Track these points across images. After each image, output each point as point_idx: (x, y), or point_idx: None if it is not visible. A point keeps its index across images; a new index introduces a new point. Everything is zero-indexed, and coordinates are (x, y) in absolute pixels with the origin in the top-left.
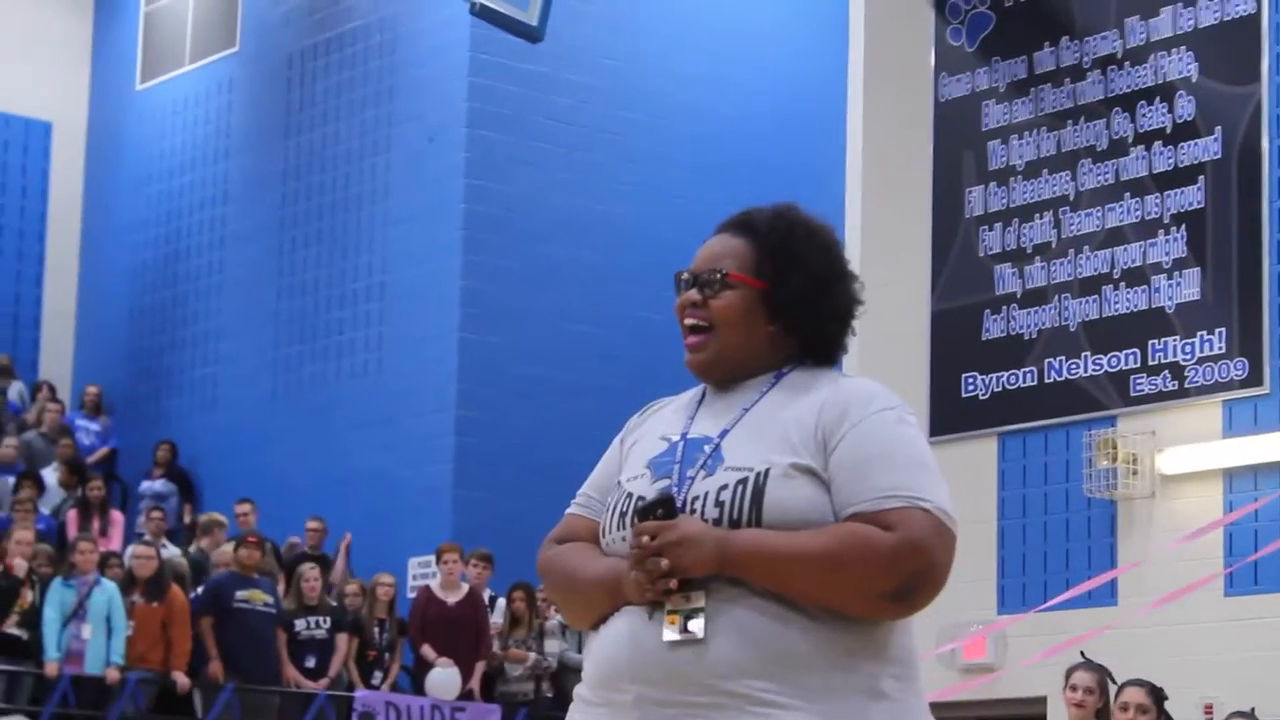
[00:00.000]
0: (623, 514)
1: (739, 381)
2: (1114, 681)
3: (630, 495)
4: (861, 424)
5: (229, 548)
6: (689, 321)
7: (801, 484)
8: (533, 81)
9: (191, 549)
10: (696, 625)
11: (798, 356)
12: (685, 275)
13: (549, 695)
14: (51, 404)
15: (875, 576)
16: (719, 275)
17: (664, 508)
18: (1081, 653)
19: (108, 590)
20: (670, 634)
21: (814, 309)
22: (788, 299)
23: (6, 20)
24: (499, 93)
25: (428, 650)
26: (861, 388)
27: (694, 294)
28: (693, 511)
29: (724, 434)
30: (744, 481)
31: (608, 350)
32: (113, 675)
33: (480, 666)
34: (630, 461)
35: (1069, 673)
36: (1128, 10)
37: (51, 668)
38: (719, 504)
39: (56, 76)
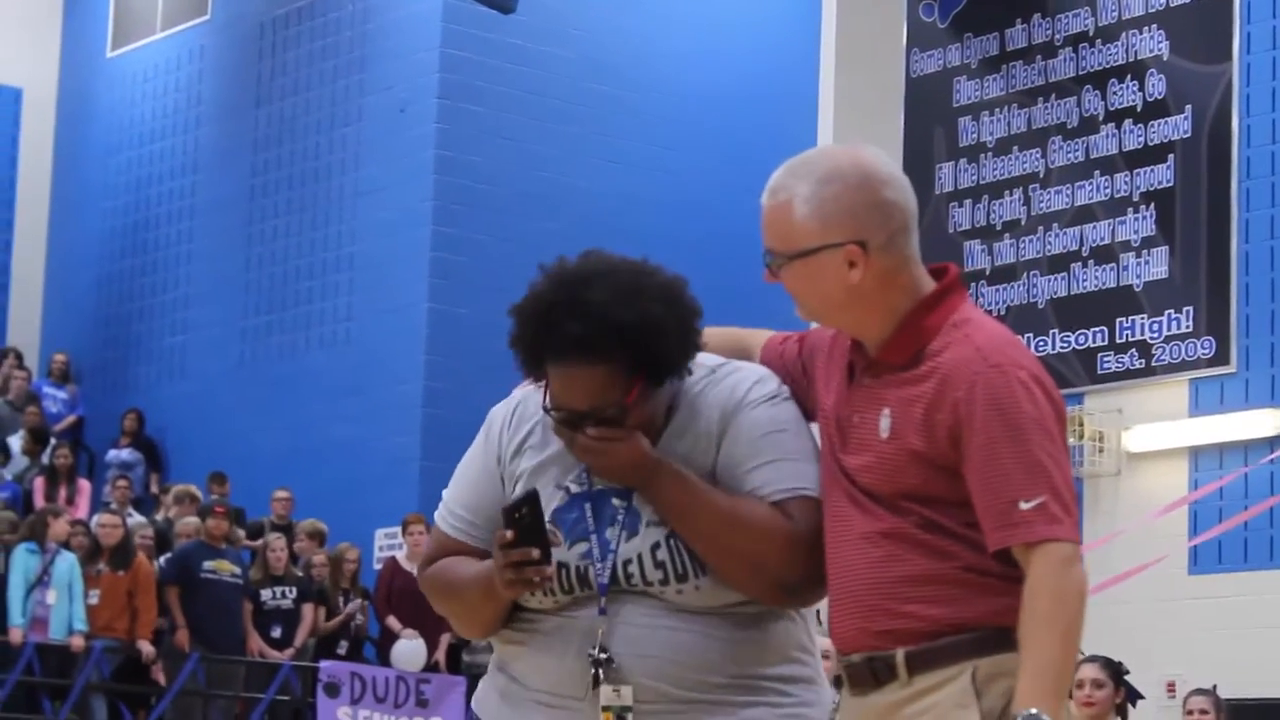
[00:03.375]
0: (563, 587)
1: None
2: (1126, 672)
3: (561, 565)
4: (736, 422)
5: (194, 518)
6: None
7: None
8: (505, 53)
9: (158, 518)
10: None
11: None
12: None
13: None
14: (18, 371)
15: (771, 553)
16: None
17: (528, 506)
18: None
19: (68, 559)
20: None
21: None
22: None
23: None
24: (471, 64)
25: (393, 621)
26: (727, 389)
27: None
28: (628, 576)
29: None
30: (674, 535)
31: None
32: (77, 643)
33: (446, 638)
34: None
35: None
36: None
37: (16, 634)
38: (659, 564)
39: (27, 43)
